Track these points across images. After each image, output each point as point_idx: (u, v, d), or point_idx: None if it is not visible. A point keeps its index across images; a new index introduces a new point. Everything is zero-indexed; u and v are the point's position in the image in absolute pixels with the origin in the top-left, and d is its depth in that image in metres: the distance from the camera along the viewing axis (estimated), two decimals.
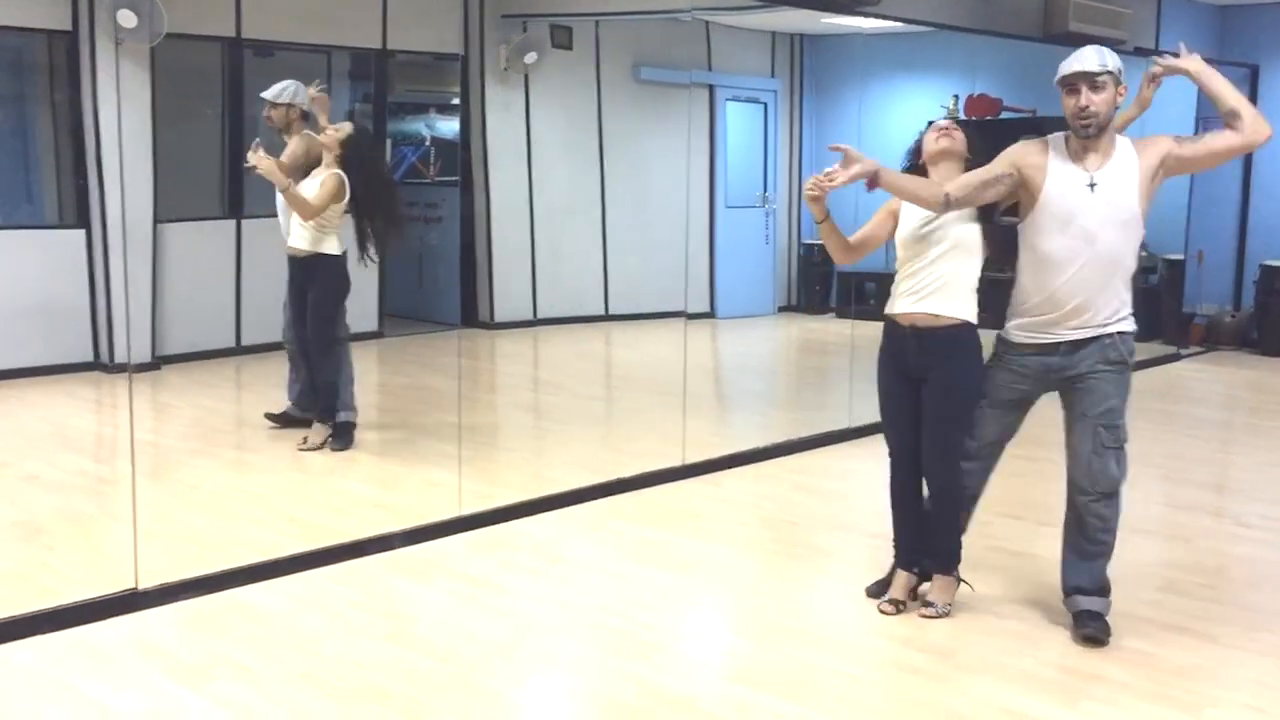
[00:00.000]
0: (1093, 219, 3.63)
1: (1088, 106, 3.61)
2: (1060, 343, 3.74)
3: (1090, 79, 3.62)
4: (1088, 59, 3.64)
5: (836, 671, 3.57)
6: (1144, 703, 3.37)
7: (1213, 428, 7.71)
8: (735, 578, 4.48)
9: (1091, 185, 3.64)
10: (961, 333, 3.83)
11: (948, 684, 3.48)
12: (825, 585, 4.40)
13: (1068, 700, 3.38)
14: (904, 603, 3.97)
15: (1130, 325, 3.75)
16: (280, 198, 5.91)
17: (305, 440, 5.90)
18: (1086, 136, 3.65)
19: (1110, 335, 3.70)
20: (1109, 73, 3.63)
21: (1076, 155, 3.69)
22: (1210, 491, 6.00)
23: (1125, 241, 3.67)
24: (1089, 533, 3.80)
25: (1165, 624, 3.94)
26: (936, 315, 3.81)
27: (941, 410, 3.85)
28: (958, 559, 3.97)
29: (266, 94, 6.00)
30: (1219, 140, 3.65)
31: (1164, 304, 9.91)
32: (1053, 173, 3.69)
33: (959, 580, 3.99)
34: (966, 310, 3.84)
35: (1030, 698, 3.39)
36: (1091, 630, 3.74)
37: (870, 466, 6.18)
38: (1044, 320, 3.75)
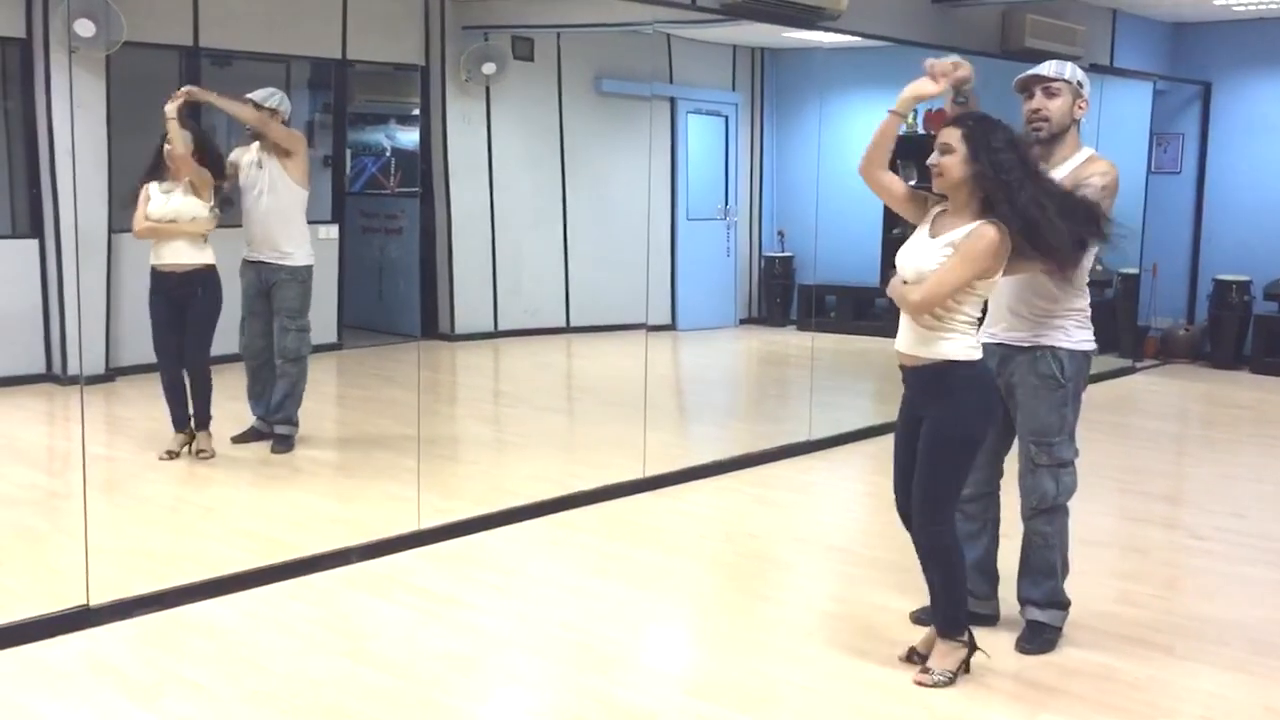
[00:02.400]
0: None
1: (1040, 110, 3.71)
2: (994, 344, 3.74)
3: (1045, 83, 3.71)
4: (1045, 66, 3.75)
5: (796, 685, 3.56)
6: (1100, 714, 3.39)
7: (1167, 440, 7.79)
8: (695, 591, 4.47)
9: None
10: (947, 371, 3.44)
11: (907, 697, 3.48)
12: (785, 598, 4.40)
13: (1026, 713, 3.40)
14: (924, 655, 3.62)
15: (1063, 342, 3.68)
16: (250, 207, 5.95)
17: (205, 450, 5.83)
18: (1038, 140, 3.70)
19: (1041, 349, 3.70)
20: (1065, 81, 3.71)
21: None
22: (1165, 503, 6.06)
23: None
24: (1032, 549, 3.83)
25: (1121, 636, 3.97)
26: (916, 355, 3.48)
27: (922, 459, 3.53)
28: (959, 623, 3.57)
29: (253, 95, 5.95)
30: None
31: (1119, 317, 10.03)
32: None
33: (970, 647, 3.58)
34: (952, 348, 3.43)
35: (989, 711, 3.40)
36: (1028, 649, 3.78)
37: (830, 479, 6.21)
38: (986, 323, 3.79)
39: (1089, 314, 3.78)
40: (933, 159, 3.46)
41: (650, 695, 3.50)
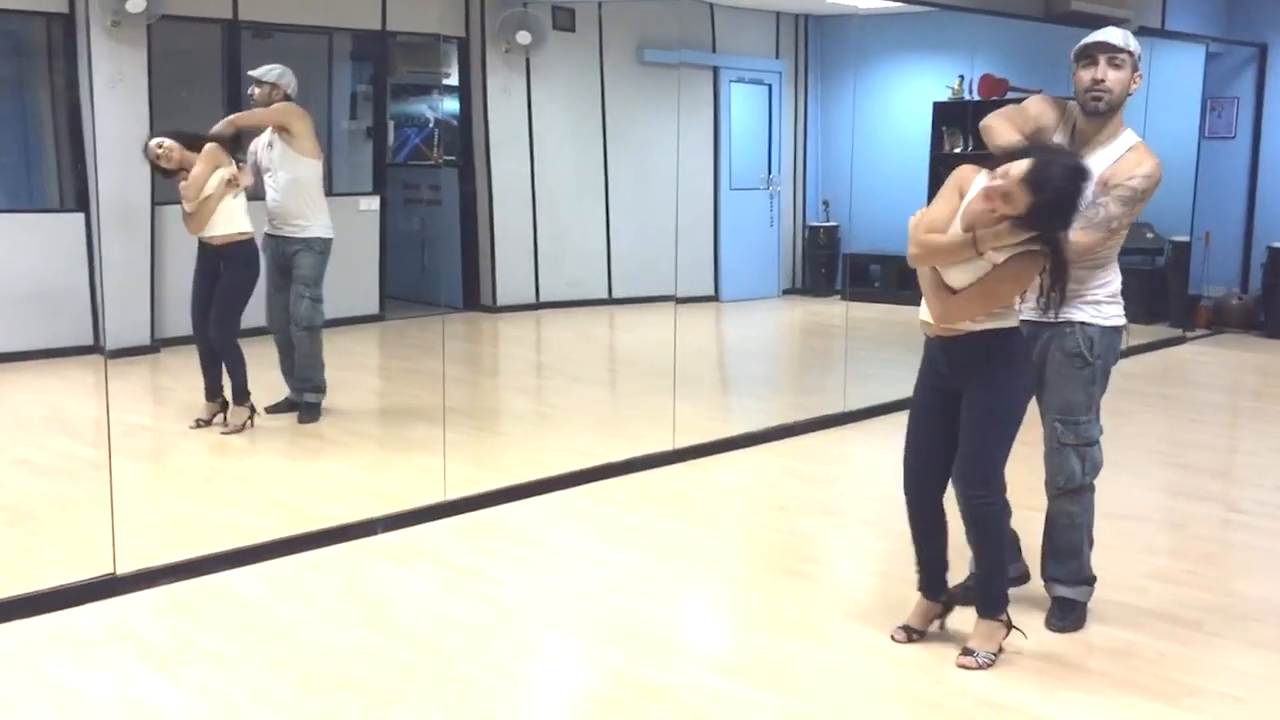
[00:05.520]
0: None
1: (1103, 80, 3.51)
2: (1021, 321, 3.57)
3: (1111, 51, 3.53)
4: (1112, 34, 3.56)
5: (815, 660, 3.54)
6: (1122, 692, 3.33)
7: (1216, 411, 7.63)
8: (720, 564, 4.45)
9: None
10: (995, 339, 3.41)
11: (926, 673, 3.44)
12: (813, 572, 4.37)
13: (1045, 689, 3.34)
14: (920, 632, 3.63)
15: (1093, 318, 3.58)
16: (269, 185, 6.01)
17: (227, 424, 5.89)
18: (1094, 112, 3.53)
19: (1071, 324, 3.60)
20: (1129, 53, 3.54)
21: (1079, 135, 3.58)
22: (1208, 476, 5.92)
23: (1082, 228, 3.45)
24: (1058, 529, 3.76)
25: (1149, 611, 3.90)
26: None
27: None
28: (1002, 600, 3.52)
29: (254, 72, 6.03)
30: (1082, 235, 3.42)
31: (1170, 286, 9.83)
32: None
33: (1008, 626, 3.53)
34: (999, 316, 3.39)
35: (1008, 687, 3.35)
36: (1059, 626, 3.73)
37: (863, 451, 6.16)
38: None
39: (1120, 289, 3.66)
40: (997, 186, 3.15)
41: (667, 670, 3.49)
